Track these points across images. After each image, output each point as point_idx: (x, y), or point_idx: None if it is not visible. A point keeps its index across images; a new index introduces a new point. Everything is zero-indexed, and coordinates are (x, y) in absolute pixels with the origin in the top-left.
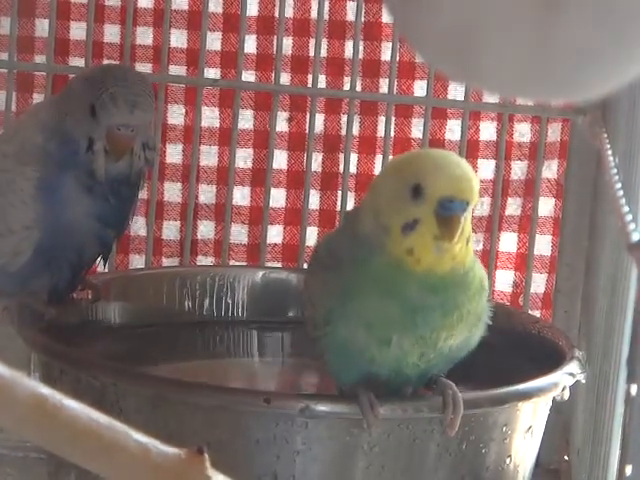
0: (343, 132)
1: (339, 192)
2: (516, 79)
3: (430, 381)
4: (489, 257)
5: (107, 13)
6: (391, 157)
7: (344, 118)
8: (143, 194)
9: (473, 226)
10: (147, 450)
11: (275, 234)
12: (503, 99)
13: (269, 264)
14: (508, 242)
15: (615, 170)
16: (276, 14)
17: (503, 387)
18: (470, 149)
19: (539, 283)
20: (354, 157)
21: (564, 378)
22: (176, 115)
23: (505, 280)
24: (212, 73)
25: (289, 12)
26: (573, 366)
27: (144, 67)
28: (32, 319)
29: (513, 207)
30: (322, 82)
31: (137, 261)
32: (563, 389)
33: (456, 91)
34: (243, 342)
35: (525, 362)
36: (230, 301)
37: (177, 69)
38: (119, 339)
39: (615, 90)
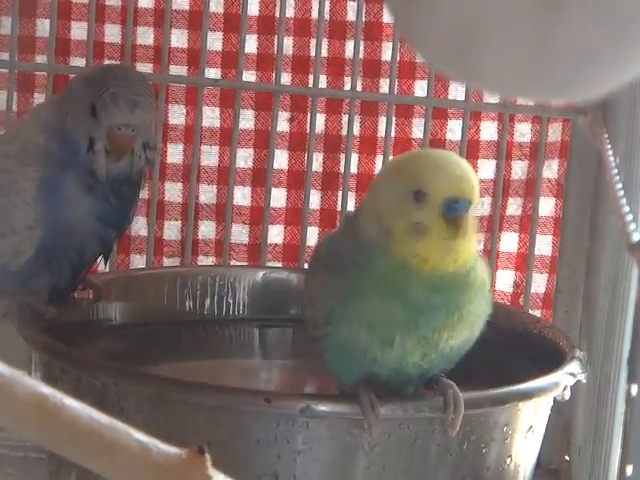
0: (344, 132)
1: (340, 192)
2: (516, 79)
3: (431, 381)
4: (490, 257)
5: (108, 13)
6: (391, 157)
7: (345, 118)
8: (144, 194)
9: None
10: (148, 450)
11: (276, 234)
12: (504, 99)
13: (270, 264)
14: (509, 242)
15: (616, 170)
16: (277, 14)
17: (504, 387)
18: (471, 149)
19: (540, 283)
20: (355, 157)
21: (565, 378)
22: (177, 115)
23: (506, 280)
24: (213, 73)
25: (290, 12)
26: (574, 366)
27: (145, 67)
28: (33, 318)
29: (514, 207)
30: (323, 82)
31: (138, 261)
32: (564, 389)
33: (457, 91)
34: (244, 341)
35: (526, 362)
36: (231, 301)
37: (178, 69)
38: (120, 339)
39: (615, 90)
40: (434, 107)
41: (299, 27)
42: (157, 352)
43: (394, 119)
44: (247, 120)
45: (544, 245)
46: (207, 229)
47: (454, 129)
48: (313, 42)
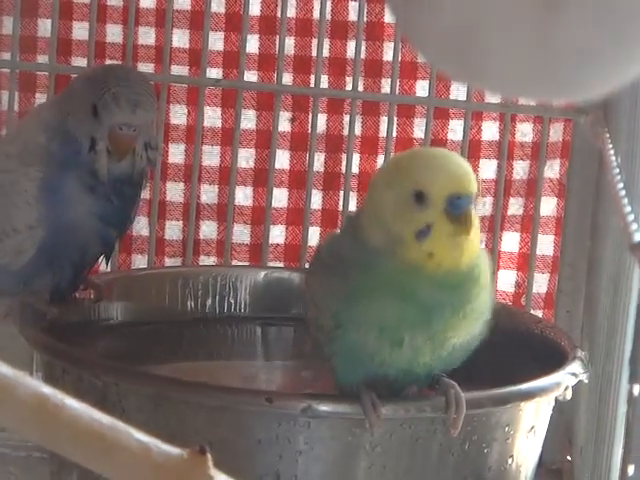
0: (345, 132)
1: (341, 192)
2: (518, 79)
3: (433, 381)
4: (491, 257)
5: (109, 13)
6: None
7: (346, 118)
8: (145, 194)
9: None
10: (149, 450)
11: (277, 234)
12: (505, 99)
13: (271, 264)
14: (510, 242)
15: (617, 170)
16: (278, 14)
17: (506, 387)
18: (472, 149)
19: (541, 283)
20: (356, 157)
21: (566, 378)
22: (178, 115)
23: (507, 280)
24: (214, 73)
25: (291, 12)
26: (575, 366)
27: (146, 67)
28: (34, 319)
29: (515, 207)
30: (324, 82)
31: (140, 261)
32: (566, 389)
33: (458, 91)
34: (246, 340)
35: (527, 362)
36: (232, 301)
37: (179, 69)
38: (121, 339)
39: (617, 90)
40: (435, 107)
41: (301, 27)
42: (158, 352)
43: (395, 119)
44: (248, 120)
45: (546, 245)
46: (208, 229)
47: (455, 129)
48: (315, 42)
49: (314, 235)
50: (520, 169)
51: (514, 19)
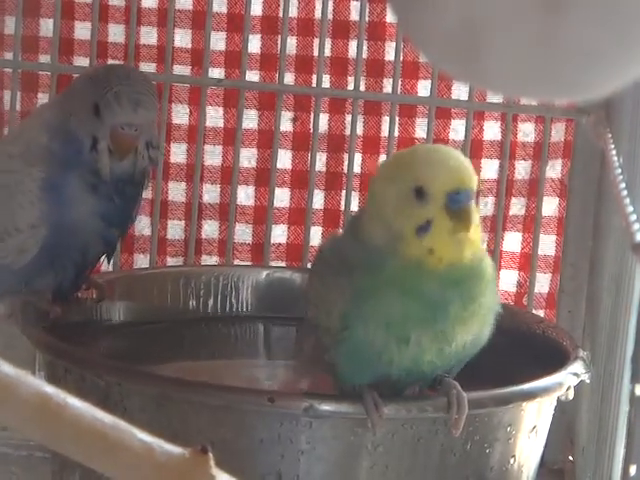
0: (347, 132)
1: (343, 192)
2: (520, 79)
3: (435, 382)
4: (493, 257)
5: (111, 13)
6: None
7: (348, 118)
8: (147, 194)
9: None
10: (151, 449)
11: (279, 234)
12: (507, 99)
13: (273, 263)
14: (512, 242)
15: (619, 170)
16: (280, 14)
17: (507, 387)
18: (474, 149)
19: (543, 283)
20: (358, 157)
21: (568, 378)
22: (180, 115)
23: (509, 280)
24: (216, 73)
25: (293, 12)
26: (577, 366)
27: (148, 67)
28: (37, 318)
29: (517, 207)
30: (326, 82)
31: (142, 260)
32: (567, 389)
33: (460, 91)
34: (248, 339)
35: (529, 362)
36: (234, 300)
37: (181, 69)
38: (123, 338)
39: (619, 90)
40: (437, 107)
41: (302, 27)
42: (160, 352)
43: (397, 119)
44: (250, 120)
45: (547, 245)
46: (210, 229)
47: (457, 129)
48: (316, 42)
49: (316, 235)
50: (522, 169)
51: (517, 19)
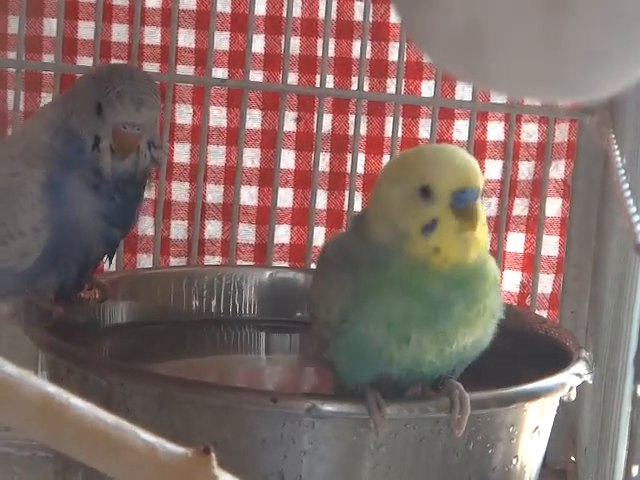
0: (351, 132)
1: (346, 192)
2: (524, 79)
3: (437, 382)
4: (496, 257)
5: (115, 13)
6: None
7: (352, 118)
8: (151, 194)
9: None
10: (154, 449)
11: (282, 234)
12: (511, 99)
13: (276, 264)
14: (515, 242)
15: (622, 170)
16: (284, 14)
17: (510, 387)
18: (477, 149)
19: (546, 284)
20: (362, 157)
21: (571, 378)
22: (184, 115)
23: (512, 280)
24: (220, 73)
25: (297, 12)
26: (580, 366)
27: (152, 67)
28: (39, 318)
29: (520, 207)
30: (330, 82)
31: (145, 261)
32: (570, 389)
33: (463, 91)
34: (251, 341)
35: (532, 362)
36: (237, 300)
37: (185, 69)
38: (126, 338)
39: (622, 90)
40: (441, 107)
41: (306, 27)
42: (163, 351)
43: (401, 119)
44: (254, 120)
45: (551, 246)
46: (214, 229)
47: (461, 129)
48: (320, 42)
49: (319, 235)
50: (525, 170)
51: (522, 20)
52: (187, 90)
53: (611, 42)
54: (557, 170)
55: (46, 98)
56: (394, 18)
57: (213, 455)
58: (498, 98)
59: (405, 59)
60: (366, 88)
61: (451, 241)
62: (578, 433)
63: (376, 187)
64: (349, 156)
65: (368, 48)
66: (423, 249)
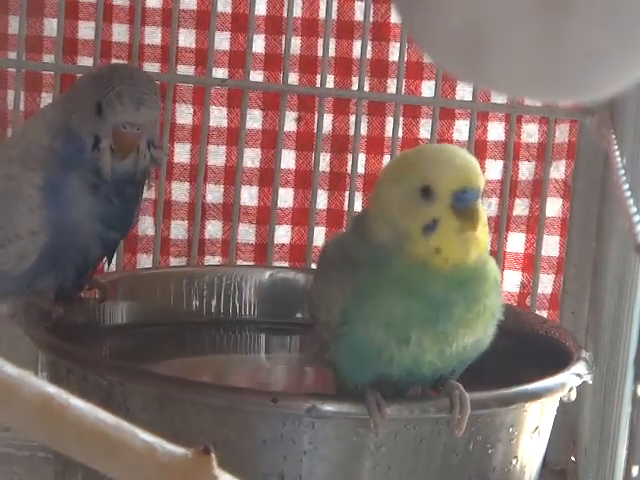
0: (351, 132)
1: (347, 192)
2: (525, 80)
3: (438, 382)
4: (497, 258)
5: (115, 13)
6: None
7: (352, 118)
8: (151, 194)
9: None
10: (154, 450)
11: (283, 234)
12: (511, 100)
13: (276, 264)
14: (516, 243)
15: (623, 171)
16: (284, 14)
17: (510, 387)
18: (478, 149)
19: (546, 284)
20: (362, 157)
21: (571, 379)
22: (184, 115)
23: (512, 281)
24: (220, 73)
25: (297, 12)
26: (580, 367)
27: (152, 67)
28: (39, 318)
29: (521, 208)
30: (330, 82)
31: (145, 261)
32: (570, 390)
33: (464, 91)
34: (251, 342)
35: (532, 362)
36: (237, 301)
37: (185, 69)
38: (126, 338)
39: (623, 91)
40: (441, 107)
41: (307, 27)
42: (163, 351)
43: (401, 119)
44: (254, 120)
45: (551, 246)
46: (214, 229)
47: (461, 129)
48: (320, 42)
49: (319, 235)
50: (526, 170)
51: (522, 20)
52: (187, 90)
53: (611, 42)
54: (557, 170)
55: (46, 98)
56: (395, 18)
57: (213, 455)
58: (498, 98)
59: (406, 59)
60: (366, 88)
61: (452, 241)
62: (578, 433)
63: (376, 187)
64: (349, 156)
65: (369, 48)
66: (424, 249)
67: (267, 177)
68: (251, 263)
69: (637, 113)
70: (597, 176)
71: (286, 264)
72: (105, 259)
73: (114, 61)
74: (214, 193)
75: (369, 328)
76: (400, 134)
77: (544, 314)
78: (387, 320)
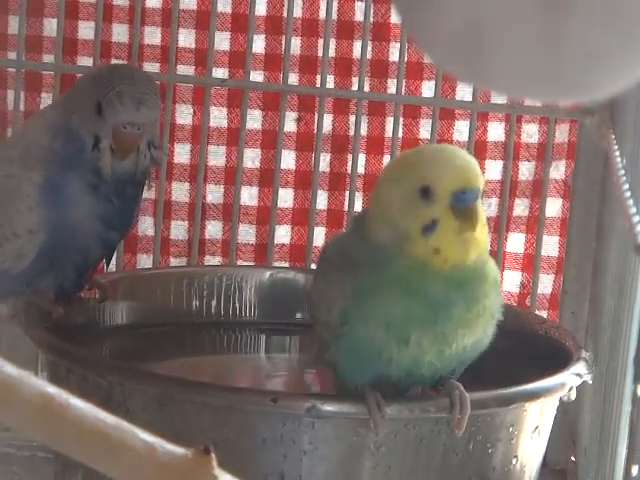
0: (351, 132)
1: (347, 192)
2: (525, 80)
3: (438, 382)
4: (496, 258)
5: (115, 13)
6: None
7: (352, 118)
8: (151, 194)
9: None
10: (154, 450)
11: (283, 234)
12: (511, 100)
13: (277, 264)
14: (515, 243)
15: (622, 171)
16: (284, 14)
17: (510, 387)
18: (478, 150)
19: (546, 284)
20: (362, 157)
21: (571, 378)
22: (184, 115)
23: (512, 281)
24: (220, 73)
25: (297, 12)
26: (580, 366)
27: (152, 67)
28: (39, 318)
29: (521, 208)
30: (330, 82)
31: (145, 261)
32: (570, 389)
33: (464, 92)
34: (251, 342)
35: (532, 362)
36: (238, 301)
37: (185, 69)
38: (126, 338)
39: (623, 91)
40: (441, 108)
41: (307, 27)
42: (163, 351)
43: (401, 119)
44: (254, 120)
45: (551, 246)
46: (214, 229)
47: (461, 130)
48: (321, 42)
49: (319, 235)
50: (526, 170)
51: (522, 20)
52: (187, 90)
53: (611, 42)
54: (557, 170)
55: (46, 98)
56: (395, 18)
57: (213, 455)
58: (498, 98)
59: (406, 59)
60: (367, 88)
61: (451, 242)
62: (578, 433)
63: (376, 187)
64: (349, 156)
65: (369, 48)
66: (423, 250)
67: (267, 177)
68: (251, 263)
69: (637, 113)
70: (597, 176)
71: (286, 264)
72: (104, 259)
73: (114, 61)
74: (214, 193)
75: (369, 328)
76: (400, 134)
77: (544, 314)
78: (387, 320)
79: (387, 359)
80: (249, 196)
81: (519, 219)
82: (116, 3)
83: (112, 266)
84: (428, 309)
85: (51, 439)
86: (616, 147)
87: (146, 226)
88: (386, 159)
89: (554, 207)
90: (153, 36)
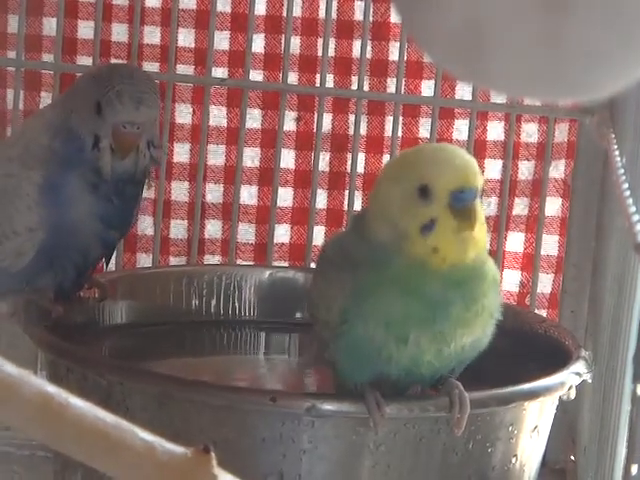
0: (351, 132)
1: (346, 192)
2: (525, 79)
3: (437, 382)
4: (496, 257)
5: (115, 12)
6: None
7: (352, 118)
8: (150, 193)
9: None
10: (153, 449)
11: (282, 233)
12: (511, 99)
13: (276, 263)
14: (515, 242)
15: (622, 170)
16: (284, 13)
17: (509, 386)
18: (477, 149)
19: (546, 283)
20: (361, 157)
21: (570, 378)
22: (184, 114)
23: (512, 280)
24: (220, 72)
25: (297, 11)
26: (579, 365)
27: (151, 66)
28: (39, 317)
29: (520, 207)
30: (330, 82)
31: (144, 260)
32: (569, 389)
33: (463, 91)
34: (250, 342)
35: (531, 361)
36: (237, 300)
37: (185, 68)
38: (126, 338)
39: (622, 90)
40: (441, 107)
41: (306, 26)
42: (163, 351)
43: (401, 119)
44: (254, 119)
45: (550, 245)
46: (213, 228)
47: (461, 129)
48: (320, 41)
49: (319, 234)
50: (525, 169)
51: (522, 20)
52: (187, 90)
53: (611, 42)
54: (557, 170)
55: (46, 98)
56: (394, 18)
57: (213, 454)
58: (498, 98)
59: (405, 59)
60: (366, 88)
61: (449, 241)
62: (577, 432)
63: (376, 186)
64: (349, 155)
65: (368, 48)
66: (422, 249)
67: (267, 176)
68: (251, 262)
69: (637, 113)
70: (597, 176)
71: (286, 263)
72: (104, 258)
73: (113, 60)
74: (214, 192)
75: (368, 327)
76: (400, 133)
77: (543, 313)
78: (386, 319)
79: (386, 358)
80: (249, 195)
81: (519, 218)
82: (116, 2)
83: (112, 265)
84: (427, 308)
85: (51, 438)
86: (616, 146)
87: (146, 225)
88: (385, 158)
89: (554, 206)
90: (152, 35)
